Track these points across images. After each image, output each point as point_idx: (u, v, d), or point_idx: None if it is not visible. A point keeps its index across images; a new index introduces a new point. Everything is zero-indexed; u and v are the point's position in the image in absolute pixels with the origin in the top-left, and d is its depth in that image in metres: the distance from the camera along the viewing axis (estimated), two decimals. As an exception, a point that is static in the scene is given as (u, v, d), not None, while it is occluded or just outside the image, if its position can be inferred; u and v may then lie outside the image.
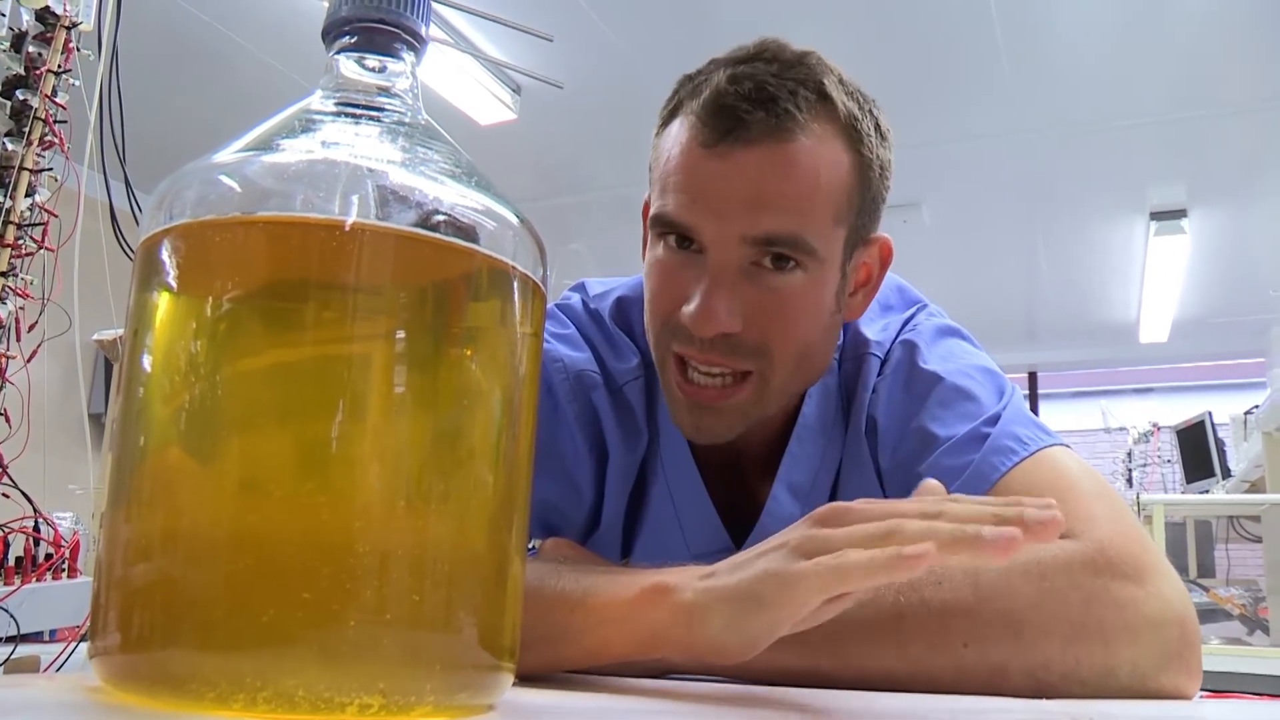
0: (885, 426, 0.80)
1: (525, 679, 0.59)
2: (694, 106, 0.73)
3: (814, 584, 0.46)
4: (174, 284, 0.39)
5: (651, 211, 0.77)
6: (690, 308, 0.72)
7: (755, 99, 0.71)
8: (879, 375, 0.82)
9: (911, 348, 0.81)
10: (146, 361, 0.38)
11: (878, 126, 0.78)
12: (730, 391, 0.75)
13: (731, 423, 0.77)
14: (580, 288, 0.94)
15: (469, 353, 0.40)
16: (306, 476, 0.36)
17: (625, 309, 0.90)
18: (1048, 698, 0.56)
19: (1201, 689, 0.62)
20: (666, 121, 0.78)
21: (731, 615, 0.50)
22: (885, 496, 0.78)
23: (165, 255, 0.39)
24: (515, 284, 0.42)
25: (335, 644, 0.34)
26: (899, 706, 0.51)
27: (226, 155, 0.41)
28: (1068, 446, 0.73)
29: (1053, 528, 0.44)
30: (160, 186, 0.40)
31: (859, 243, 0.78)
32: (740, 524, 0.85)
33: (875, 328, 0.86)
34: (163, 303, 0.39)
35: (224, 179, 0.39)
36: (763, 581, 0.49)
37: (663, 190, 0.75)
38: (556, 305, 0.92)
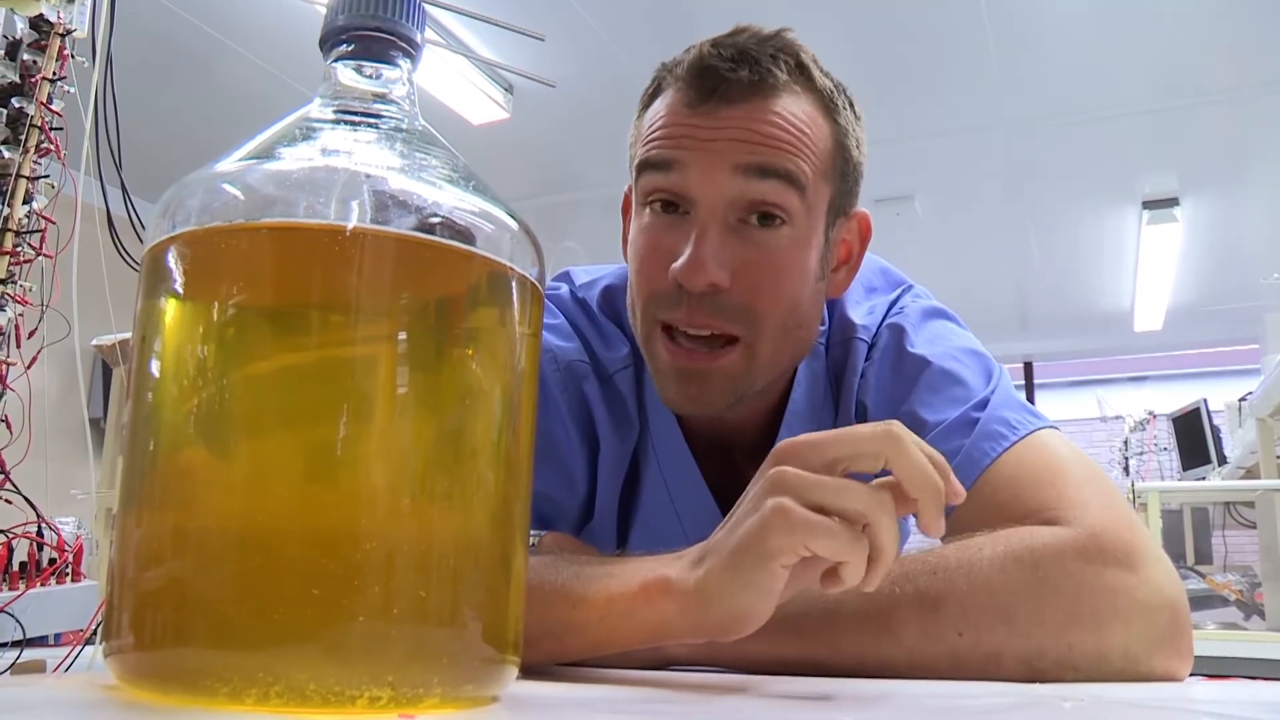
0: (875, 411, 0.80)
1: (529, 672, 0.60)
2: (677, 73, 0.75)
3: (815, 532, 0.49)
4: (180, 291, 0.40)
5: (635, 162, 0.77)
6: (679, 262, 0.72)
7: (738, 60, 0.72)
8: (866, 359, 0.83)
9: (899, 331, 0.82)
10: (155, 367, 0.39)
11: (851, 105, 0.80)
12: (718, 355, 0.75)
13: (720, 391, 0.76)
14: (566, 277, 0.95)
15: (470, 353, 0.41)
16: (314, 477, 0.37)
17: (613, 297, 0.90)
18: (1041, 682, 0.58)
19: (1199, 673, 0.63)
20: (647, 103, 0.79)
21: (740, 577, 0.51)
22: None
23: (171, 263, 0.40)
24: (513, 285, 0.43)
25: (344, 639, 0.35)
26: (895, 693, 0.52)
27: (229, 164, 0.41)
28: (1057, 429, 0.73)
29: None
30: (165, 195, 0.41)
31: (841, 212, 0.80)
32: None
33: (861, 311, 0.86)
34: (170, 309, 0.40)
35: (227, 187, 0.40)
36: (762, 528, 0.50)
37: (646, 145, 0.76)
38: (544, 295, 0.93)
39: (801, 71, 0.75)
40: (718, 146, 0.72)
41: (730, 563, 0.52)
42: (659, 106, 0.76)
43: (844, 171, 0.78)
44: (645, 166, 0.75)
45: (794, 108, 0.74)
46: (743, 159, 0.72)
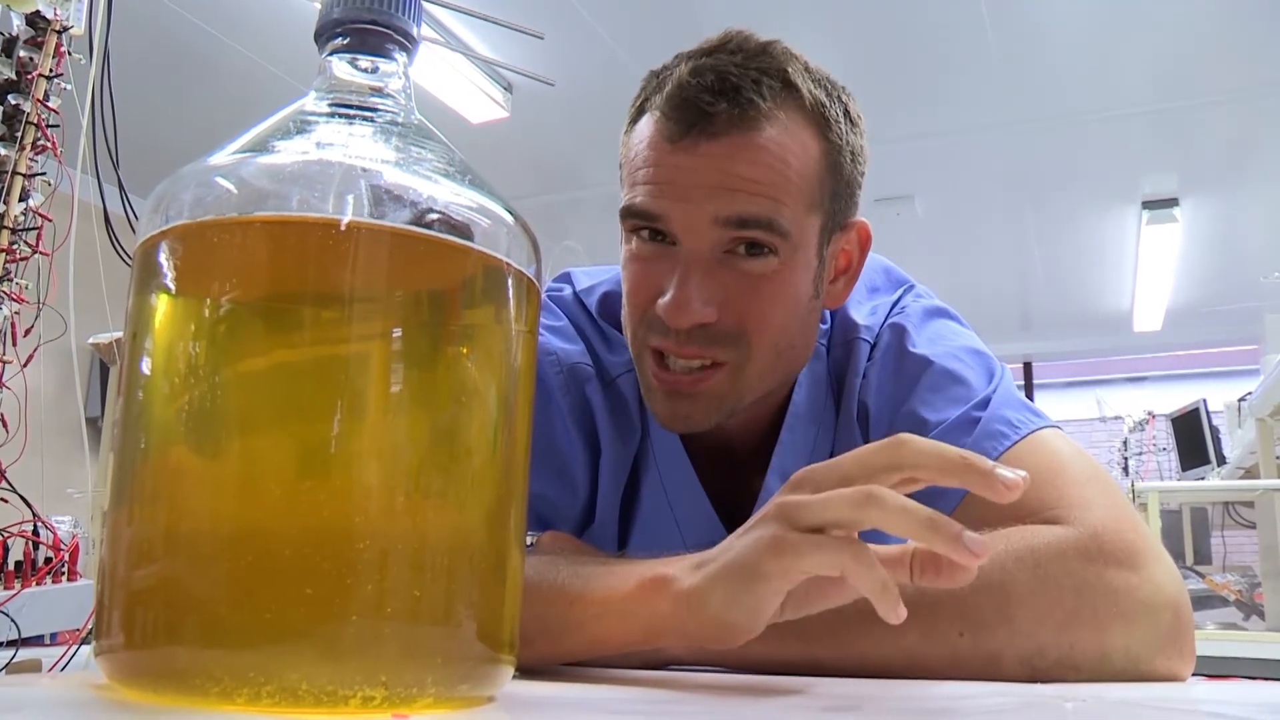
0: (876, 412, 0.80)
1: (526, 672, 0.60)
2: (658, 101, 0.73)
3: (803, 551, 0.48)
4: (172, 286, 0.39)
5: (621, 205, 0.76)
6: (664, 300, 0.72)
7: (718, 90, 0.70)
8: (868, 360, 0.82)
9: (900, 331, 0.81)
10: (146, 363, 0.39)
11: (847, 112, 0.77)
12: (705, 376, 0.74)
13: (708, 410, 0.76)
14: (567, 278, 0.94)
15: (465, 350, 0.40)
16: (306, 474, 0.36)
17: (612, 304, 0.89)
18: (1042, 682, 0.57)
19: (1198, 674, 0.62)
20: (635, 119, 0.78)
21: (729, 593, 0.51)
22: None
23: (163, 257, 0.39)
24: (510, 281, 0.42)
25: (337, 638, 0.35)
26: (896, 693, 0.52)
27: (222, 157, 0.41)
28: (1059, 428, 0.73)
29: (1016, 490, 0.46)
30: (157, 189, 0.41)
31: (836, 229, 0.78)
32: (735, 514, 0.85)
33: (863, 311, 0.86)
34: (161, 304, 0.39)
35: (220, 181, 0.40)
36: (755, 552, 0.50)
37: (631, 185, 0.75)
38: (547, 296, 0.92)
39: (788, 91, 0.73)
40: (697, 195, 0.71)
41: (723, 576, 0.51)
42: (642, 133, 0.75)
43: (835, 191, 0.77)
44: (628, 213, 0.75)
45: (778, 138, 0.72)
46: (723, 211, 0.71)
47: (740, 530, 0.53)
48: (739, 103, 0.70)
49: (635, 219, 0.74)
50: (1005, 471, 0.46)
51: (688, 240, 0.72)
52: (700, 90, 0.70)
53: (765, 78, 0.72)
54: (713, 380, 0.75)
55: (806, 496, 0.49)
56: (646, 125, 0.75)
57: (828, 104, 0.75)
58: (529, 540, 0.83)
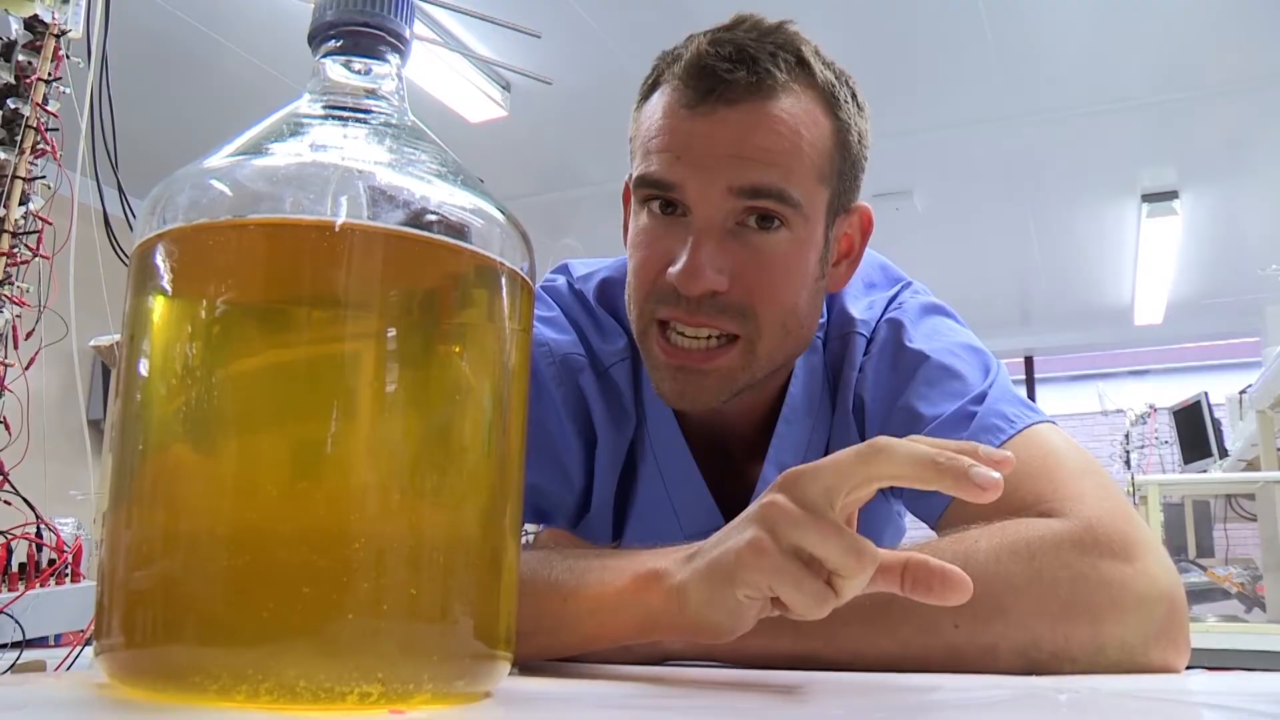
0: (872, 406, 0.80)
1: (523, 668, 0.60)
2: (675, 71, 0.75)
3: (771, 562, 0.48)
4: (168, 288, 0.39)
5: (634, 175, 0.77)
6: (676, 267, 0.72)
7: (736, 59, 0.72)
8: (865, 354, 0.83)
9: (897, 326, 0.82)
10: (143, 365, 0.39)
11: (854, 96, 0.79)
12: (716, 354, 0.75)
13: (717, 387, 0.76)
14: (564, 269, 0.95)
15: (460, 349, 0.41)
16: (302, 474, 0.37)
17: (609, 290, 0.90)
18: (1038, 675, 0.57)
19: (1200, 666, 0.63)
20: (646, 95, 0.79)
21: (710, 593, 0.51)
22: None
23: (159, 260, 0.40)
24: (503, 280, 0.42)
25: (334, 636, 0.35)
26: (892, 686, 0.52)
27: (217, 160, 0.41)
28: (1053, 423, 0.73)
29: (994, 490, 0.46)
30: (153, 192, 0.41)
31: (841, 209, 0.79)
32: (732, 503, 0.85)
33: (860, 306, 0.86)
34: (158, 306, 0.40)
35: (215, 183, 0.40)
36: (734, 557, 0.50)
37: (645, 154, 0.76)
38: (541, 287, 0.92)
39: (802, 67, 0.75)
40: (712, 163, 0.72)
41: (706, 575, 0.51)
42: (656, 104, 0.76)
43: (843, 170, 0.78)
44: (642, 182, 0.75)
45: (793, 109, 0.73)
46: (736, 181, 0.72)
47: (732, 524, 0.53)
48: (757, 72, 0.72)
49: (649, 188, 0.75)
50: (982, 471, 0.46)
51: (701, 210, 0.73)
52: (719, 59, 0.72)
53: (782, 52, 0.74)
54: (725, 357, 0.75)
55: (803, 516, 0.48)
56: (661, 96, 0.76)
57: (837, 84, 0.77)
58: (527, 536, 0.83)
